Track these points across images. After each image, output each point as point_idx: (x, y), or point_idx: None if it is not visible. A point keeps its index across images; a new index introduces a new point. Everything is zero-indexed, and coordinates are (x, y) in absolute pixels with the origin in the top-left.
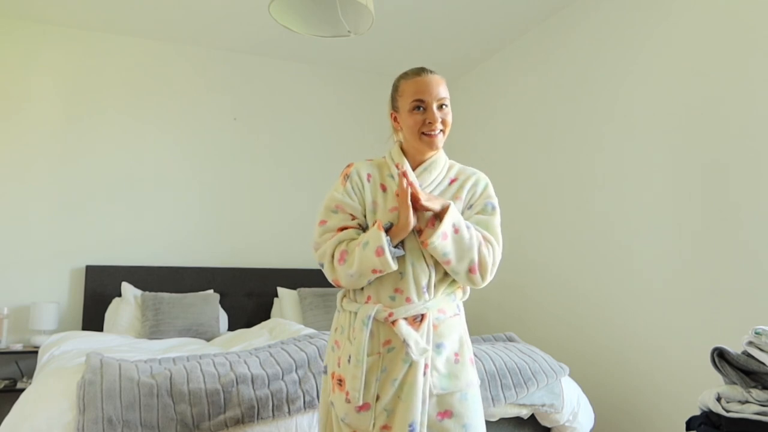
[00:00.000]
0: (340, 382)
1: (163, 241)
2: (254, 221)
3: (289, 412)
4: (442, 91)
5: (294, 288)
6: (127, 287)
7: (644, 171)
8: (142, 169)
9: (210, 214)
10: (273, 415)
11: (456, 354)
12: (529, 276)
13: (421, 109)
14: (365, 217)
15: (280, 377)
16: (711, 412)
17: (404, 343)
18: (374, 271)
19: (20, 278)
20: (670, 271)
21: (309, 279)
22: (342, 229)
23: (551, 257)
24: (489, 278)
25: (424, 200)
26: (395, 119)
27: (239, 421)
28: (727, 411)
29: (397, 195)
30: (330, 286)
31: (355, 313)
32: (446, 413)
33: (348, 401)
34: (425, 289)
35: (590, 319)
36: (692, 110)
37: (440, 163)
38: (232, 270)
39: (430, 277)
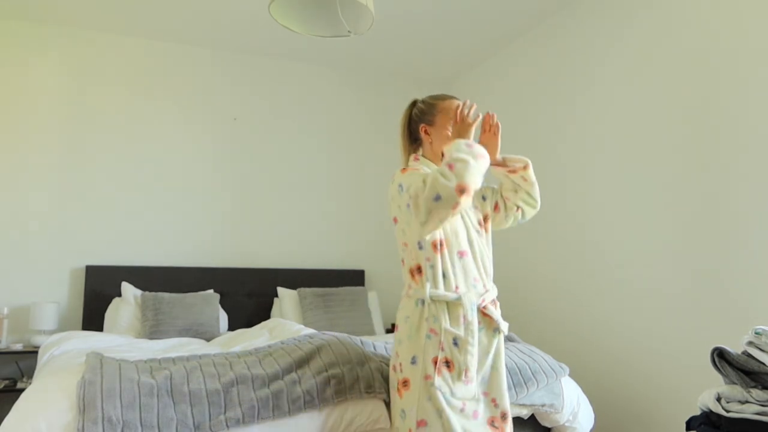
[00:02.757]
0: (448, 363)
1: (163, 241)
2: (254, 221)
3: (289, 412)
4: None
5: (294, 288)
6: (127, 287)
7: (643, 170)
8: (142, 169)
9: (210, 214)
10: (273, 415)
11: None
12: (529, 276)
13: None
14: None
15: (280, 377)
16: (711, 412)
17: (497, 322)
18: (464, 187)
19: (20, 278)
20: (670, 271)
21: (309, 279)
22: None
23: (550, 257)
24: None
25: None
26: (425, 132)
27: (239, 421)
28: (727, 411)
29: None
30: (330, 286)
31: (446, 303)
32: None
33: (467, 377)
34: (491, 277)
35: (590, 319)
36: (688, 110)
37: None
38: (232, 270)
39: (492, 265)
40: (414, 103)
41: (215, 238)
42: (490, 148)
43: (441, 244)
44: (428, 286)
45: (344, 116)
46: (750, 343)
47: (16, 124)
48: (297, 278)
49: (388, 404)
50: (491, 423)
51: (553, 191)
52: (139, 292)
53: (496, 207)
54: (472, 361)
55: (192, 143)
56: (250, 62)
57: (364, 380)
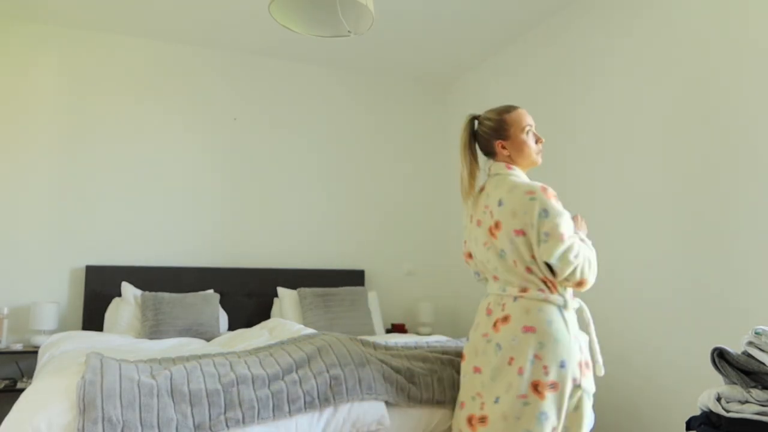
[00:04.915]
0: (587, 364)
1: (163, 241)
2: (254, 221)
3: (289, 412)
4: None
5: (294, 288)
6: (127, 287)
7: (644, 171)
8: (142, 169)
9: (210, 213)
10: (273, 415)
11: None
12: None
13: (531, 132)
14: None
15: (281, 377)
16: (711, 412)
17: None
18: None
19: (20, 278)
20: (669, 271)
21: (309, 279)
22: None
23: None
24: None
25: None
26: (503, 147)
27: (239, 422)
28: (727, 411)
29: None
30: (330, 286)
31: (573, 310)
32: None
33: (601, 371)
34: None
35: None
36: (689, 111)
37: None
38: (232, 270)
39: None
40: (475, 120)
41: (215, 238)
42: None
43: None
44: (567, 294)
45: (344, 116)
46: (750, 343)
47: (15, 124)
48: (297, 278)
49: (388, 405)
50: None
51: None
52: (139, 292)
53: None
54: (598, 357)
55: (192, 143)
56: (250, 62)
57: (365, 381)
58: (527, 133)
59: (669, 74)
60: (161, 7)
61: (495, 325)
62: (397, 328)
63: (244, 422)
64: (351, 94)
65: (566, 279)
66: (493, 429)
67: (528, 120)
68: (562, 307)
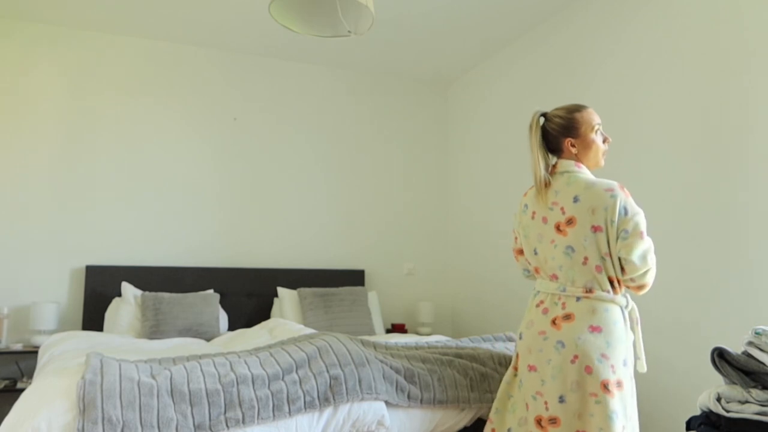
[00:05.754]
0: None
1: (163, 241)
2: (254, 221)
3: (289, 412)
4: None
5: (294, 288)
6: (127, 287)
7: (643, 171)
8: (143, 169)
9: (210, 213)
10: (273, 415)
11: None
12: None
13: (600, 132)
14: None
15: (281, 377)
16: (711, 412)
17: (637, 322)
18: None
19: (20, 278)
20: (669, 271)
21: (309, 279)
22: None
23: None
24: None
25: None
26: (572, 145)
27: (239, 422)
28: (727, 411)
29: None
30: (330, 286)
31: (629, 312)
32: None
33: (644, 368)
34: None
35: None
36: (689, 111)
37: None
38: (232, 270)
39: None
40: (543, 117)
41: (215, 238)
42: None
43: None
44: (628, 297)
45: (344, 116)
46: (750, 343)
47: (15, 124)
48: (297, 278)
49: (388, 405)
50: None
51: None
52: (139, 292)
53: None
54: (642, 354)
55: (192, 143)
56: (250, 62)
57: (365, 381)
58: (596, 132)
59: (669, 74)
60: (161, 7)
61: (554, 322)
62: (397, 328)
63: (244, 422)
64: (351, 94)
65: (633, 279)
66: (567, 428)
67: (597, 119)
68: (624, 307)
